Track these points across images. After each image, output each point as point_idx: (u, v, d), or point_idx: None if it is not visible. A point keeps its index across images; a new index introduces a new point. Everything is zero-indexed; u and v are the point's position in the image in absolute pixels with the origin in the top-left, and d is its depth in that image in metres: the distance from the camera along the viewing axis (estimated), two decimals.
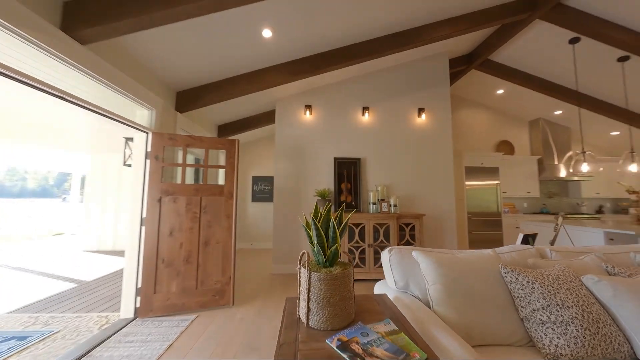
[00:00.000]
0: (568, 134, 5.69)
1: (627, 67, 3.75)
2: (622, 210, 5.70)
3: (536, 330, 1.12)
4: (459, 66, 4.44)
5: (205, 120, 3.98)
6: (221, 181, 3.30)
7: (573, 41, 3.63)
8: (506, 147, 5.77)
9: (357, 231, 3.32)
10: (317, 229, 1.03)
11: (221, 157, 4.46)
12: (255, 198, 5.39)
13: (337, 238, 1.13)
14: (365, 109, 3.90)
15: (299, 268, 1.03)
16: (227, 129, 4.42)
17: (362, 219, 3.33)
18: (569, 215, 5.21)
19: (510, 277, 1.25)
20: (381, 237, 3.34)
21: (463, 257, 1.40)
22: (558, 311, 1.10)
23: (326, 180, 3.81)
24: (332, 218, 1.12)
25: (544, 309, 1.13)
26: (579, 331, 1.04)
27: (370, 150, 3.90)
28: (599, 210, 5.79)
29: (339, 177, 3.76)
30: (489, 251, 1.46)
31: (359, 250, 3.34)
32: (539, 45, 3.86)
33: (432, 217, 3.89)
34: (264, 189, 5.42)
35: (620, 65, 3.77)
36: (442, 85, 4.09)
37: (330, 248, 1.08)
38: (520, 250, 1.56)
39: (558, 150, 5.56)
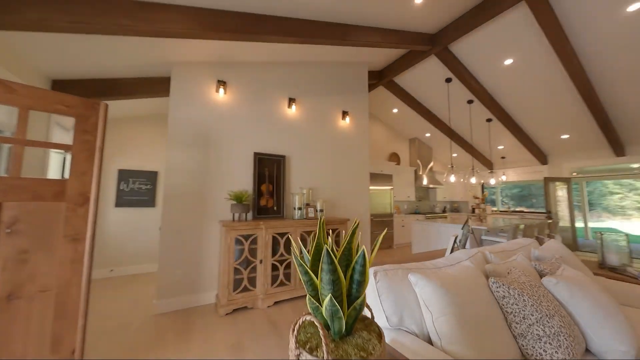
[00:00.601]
0: (430, 152, 7.48)
1: (472, 108, 5.24)
2: (454, 210, 8.06)
3: (533, 347, 1.07)
4: (371, 80, 4.81)
5: (26, 67, 2.28)
6: (58, 173, 1.90)
7: (448, 80, 4.67)
8: (395, 158, 6.89)
9: (282, 242, 2.79)
10: (331, 269, 0.54)
11: (58, 132, 2.74)
12: (122, 202, 3.71)
13: (365, 283, 0.68)
14: (292, 100, 3.45)
15: (296, 351, 0.51)
16: (74, 89, 2.73)
17: (288, 227, 2.85)
18: (429, 215, 6.75)
19: (503, 292, 1.17)
20: (308, 247, 2.96)
21: (453, 273, 1.23)
22: (548, 322, 1.09)
23: (244, 180, 3.05)
24: (358, 246, 0.66)
25: (538, 322, 1.09)
26: (567, 340, 1.05)
27: (295, 148, 3.48)
28: (444, 210, 7.94)
29: (259, 177, 3.10)
30: (466, 262, 1.38)
31: (284, 264, 2.82)
32: (428, 77, 4.75)
33: (352, 222, 3.93)
34: (139, 189, 3.83)
35: (468, 107, 5.22)
36: (362, 92, 4.26)
37: (353, 303, 0.61)
38: (473, 255, 1.59)
39: (424, 164, 7.18)
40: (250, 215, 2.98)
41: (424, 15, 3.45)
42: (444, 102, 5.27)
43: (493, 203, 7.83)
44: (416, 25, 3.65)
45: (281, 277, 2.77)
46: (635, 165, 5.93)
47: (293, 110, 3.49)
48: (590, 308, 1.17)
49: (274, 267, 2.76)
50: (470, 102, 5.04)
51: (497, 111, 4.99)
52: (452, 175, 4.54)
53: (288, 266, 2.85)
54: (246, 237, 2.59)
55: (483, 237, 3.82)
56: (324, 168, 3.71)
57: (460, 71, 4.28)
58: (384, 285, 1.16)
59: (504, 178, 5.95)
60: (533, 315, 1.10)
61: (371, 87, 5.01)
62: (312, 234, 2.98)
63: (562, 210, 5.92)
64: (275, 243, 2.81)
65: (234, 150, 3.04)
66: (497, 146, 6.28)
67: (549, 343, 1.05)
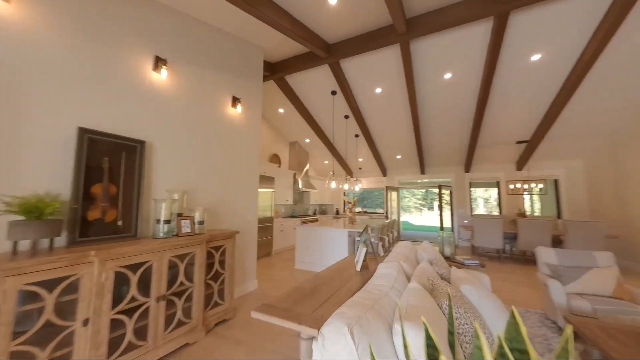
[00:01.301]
0: (307, 157, 7.93)
1: (348, 123, 5.98)
2: (322, 212, 9.01)
3: None
4: (265, 71, 4.35)
5: None
6: None
7: (333, 93, 5.06)
8: (276, 160, 6.69)
9: (134, 278, 1.76)
10: None
11: None
12: None
13: None
14: (161, 61, 2.36)
15: None
16: None
17: (146, 252, 1.85)
18: (304, 218, 7.11)
19: (456, 313, 1.16)
20: (180, 279, 2.08)
21: (417, 304, 1.08)
22: (487, 334, 1.17)
23: (50, 177, 1.68)
24: None
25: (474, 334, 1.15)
26: (490, 342, 1.17)
27: (164, 132, 2.40)
28: (314, 213, 8.67)
29: (89, 173, 1.83)
30: (414, 284, 1.30)
31: (137, 313, 1.79)
32: (318, 84, 4.93)
33: (247, 234, 3.26)
34: None
35: (345, 121, 5.93)
36: (256, 80, 3.71)
37: None
38: (398, 271, 1.59)
39: (301, 168, 7.50)
40: (64, 239, 1.68)
41: (330, 22, 3.46)
42: (327, 112, 5.68)
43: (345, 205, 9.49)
44: (321, 30, 3.62)
45: (130, 337, 1.73)
46: (426, 180, 8.91)
47: (163, 77, 2.40)
48: (490, 306, 1.40)
49: (117, 325, 1.68)
50: (346, 117, 5.73)
51: (364, 129, 5.99)
52: (333, 182, 4.92)
53: (145, 315, 1.84)
54: (51, 284, 1.39)
55: (357, 238, 4.34)
56: (206, 164, 2.84)
57: (344, 87, 4.72)
58: (363, 341, 0.82)
59: (359, 186, 7.21)
60: (472, 329, 1.15)
61: (263, 78, 4.53)
62: None
63: (391, 209, 8.06)
64: (120, 282, 1.73)
65: (31, 119, 1.61)
66: (359, 158, 7.61)
67: None
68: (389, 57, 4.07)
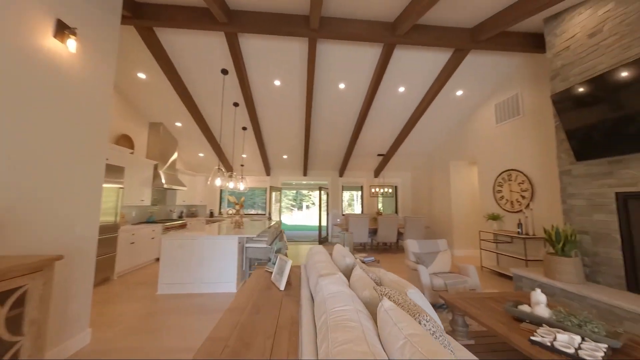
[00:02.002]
0: (175, 145, 6.30)
1: (237, 111, 5.25)
2: (191, 214, 7.47)
3: None
4: (124, 9, 2.94)
5: None
6: None
7: (224, 72, 4.26)
8: (127, 143, 4.81)
9: None
10: None
11: None
12: None
13: None
14: None
15: None
16: None
17: None
18: (167, 223, 5.59)
19: (427, 326, 1.05)
20: None
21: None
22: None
23: None
24: None
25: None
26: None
27: None
28: (180, 216, 7.02)
29: None
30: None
31: None
32: (207, 54, 3.97)
33: (65, 258, 1.88)
34: None
35: (234, 109, 5.17)
36: (110, 11, 2.40)
37: None
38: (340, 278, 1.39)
39: (165, 158, 5.87)
40: None
41: None
42: (212, 94, 4.71)
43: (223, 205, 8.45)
44: None
45: None
46: (304, 182, 9.48)
47: None
48: (427, 306, 1.47)
49: None
50: (236, 104, 5.01)
51: (255, 122, 5.48)
52: (218, 178, 4.09)
53: None
54: None
55: (247, 245, 3.81)
56: None
57: (240, 68, 4.07)
58: None
59: (243, 185, 6.57)
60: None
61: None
62: None
63: (272, 210, 7.95)
64: None
65: None
66: (243, 154, 6.92)
67: None
68: (294, 50, 3.89)
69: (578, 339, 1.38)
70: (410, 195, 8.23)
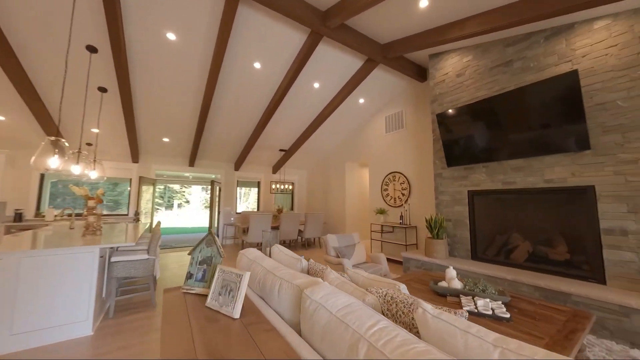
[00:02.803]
0: None
1: (93, 61, 3.57)
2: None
3: None
4: None
5: None
6: None
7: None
8: None
9: None
10: None
11: None
12: None
13: None
14: None
15: None
16: None
17: None
18: None
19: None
20: None
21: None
22: None
23: None
24: None
25: None
26: None
27: None
28: None
29: None
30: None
31: None
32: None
33: None
34: None
35: (89, 56, 3.49)
36: None
37: None
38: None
39: None
40: None
41: None
42: (48, 22, 2.95)
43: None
44: None
45: None
46: (188, 174, 8.00)
47: None
48: None
49: None
50: (93, 50, 3.41)
51: (125, 86, 3.93)
52: (56, 158, 2.58)
53: None
54: None
55: (115, 259, 2.64)
56: None
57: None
58: None
59: (95, 173, 4.62)
60: None
61: None
62: None
63: (145, 210, 6.09)
64: None
65: None
66: (93, 128, 4.82)
67: None
68: (204, 1, 3.07)
69: (489, 302, 1.78)
70: (306, 193, 8.60)
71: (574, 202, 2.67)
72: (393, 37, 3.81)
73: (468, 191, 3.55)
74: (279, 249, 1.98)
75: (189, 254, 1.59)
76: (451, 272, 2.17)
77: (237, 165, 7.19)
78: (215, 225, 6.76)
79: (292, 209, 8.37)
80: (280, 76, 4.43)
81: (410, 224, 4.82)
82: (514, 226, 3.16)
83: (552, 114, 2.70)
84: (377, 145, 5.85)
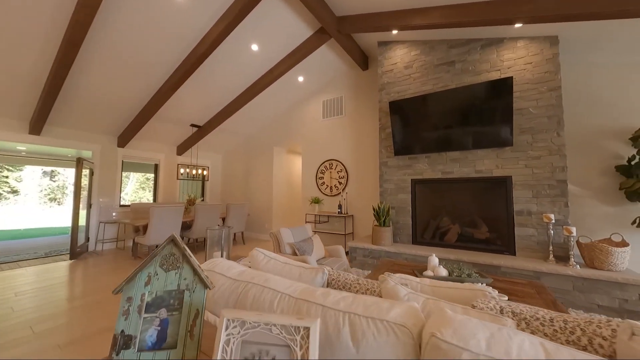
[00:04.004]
0: None
1: None
2: None
3: None
4: None
5: None
6: None
7: None
8: None
9: None
10: None
11: None
12: None
13: None
14: None
15: None
16: None
17: None
18: None
19: None
20: None
21: None
22: None
23: None
24: None
25: None
26: None
27: None
28: None
29: None
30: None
31: None
32: None
33: None
34: None
35: None
36: None
37: None
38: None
39: None
40: None
41: None
42: None
43: None
44: None
45: None
46: (36, 147, 5.45)
47: None
48: None
49: None
50: None
51: None
52: None
53: None
54: None
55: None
56: None
57: None
58: None
59: None
60: None
61: None
62: None
63: None
64: None
65: None
66: None
67: None
68: None
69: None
70: (221, 180, 7.40)
71: (495, 189, 3.25)
72: (352, 9, 3.55)
73: (411, 179, 3.81)
74: (264, 255, 1.38)
75: (116, 292, 0.79)
76: (434, 260, 2.16)
77: (123, 141, 5.28)
78: (84, 223, 4.75)
79: (203, 199, 7.01)
80: (209, 23, 3.39)
81: (347, 213, 4.85)
82: (448, 211, 3.61)
83: (487, 112, 3.17)
84: (313, 130, 5.58)
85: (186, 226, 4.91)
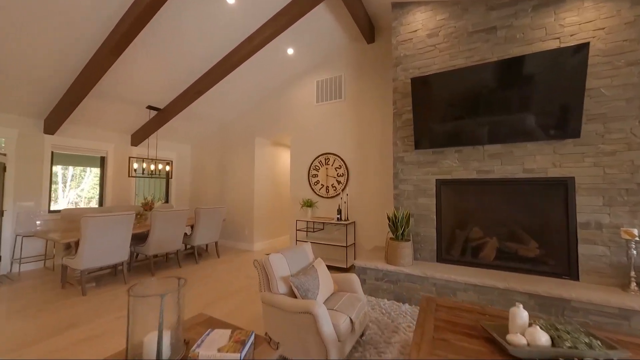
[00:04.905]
0: None
1: None
2: None
3: None
4: None
5: None
6: None
7: None
8: None
9: None
10: None
11: None
12: None
13: None
14: None
15: None
16: None
17: None
18: None
19: None
20: None
21: None
22: None
23: None
24: None
25: None
26: None
27: None
28: None
29: None
30: None
31: None
32: None
33: None
34: None
35: None
36: None
37: None
38: None
39: None
40: None
41: None
42: None
43: None
44: None
45: None
46: None
47: None
48: None
49: None
50: None
51: None
52: None
53: None
54: None
55: None
56: None
57: None
58: None
59: None
60: None
61: None
62: None
63: None
64: None
65: None
66: None
67: None
68: None
69: None
70: (190, 178, 6.28)
71: (550, 194, 2.56)
72: None
73: (436, 180, 3.04)
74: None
75: None
76: (522, 315, 1.37)
77: (52, 125, 4.05)
78: None
79: (167, 201, 5.87)
80: None
81: (348, 219, 4.02)
82: (482, 221, 2.89)
83: (544, 93, 2.44)
84: (305, 117, 4.66)
85: (141, 237, 3.84)
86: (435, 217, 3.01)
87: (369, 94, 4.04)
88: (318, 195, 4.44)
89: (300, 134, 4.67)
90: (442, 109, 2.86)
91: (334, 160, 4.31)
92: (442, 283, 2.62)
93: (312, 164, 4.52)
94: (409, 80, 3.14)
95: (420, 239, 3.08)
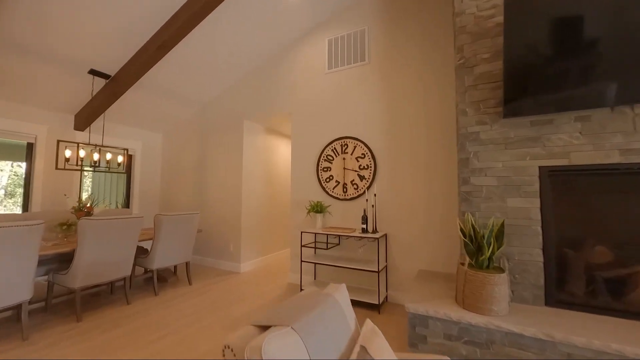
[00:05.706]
0: None
1: None
2: None
3: None
4: None
5: None
6: None
7: None
8: None
9: None
10: None
11: None
12: None
13: None
14: None
15: None
16: None
17: None
18: None
19: None
20: None
21: None
22: None
23: None
24: None
25: None
26: None
27: None
28: None
29: None
30: None
31: None
32: None
33: None
34: None
35: None
36: None
37: None
38: None
39: None
40: None
41: None
42: None
43: None
44: None
45: None
46: None
47: None
48: None
49: None
50: None
51: None
52: None
53: None
54: None
55: None
56: None
57: None
58: None
59: None
60: None
61: None
62: None
63: None
64: None
65: None
66: None
67: None
68: None
69: None
70: (159, 173, 5.01)
71: None
72: None
73: (540, 167, 1.88)
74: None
75: None
76: None
77: None
78: None
79: (127, 205, 4.57)
80: None
81: (376, 231, 2.83)
82: (630, 237, 1.73)
83: None
84: (312, 90, 3.49)
85: (67, 259, 2.56)
86: (541, 229, 1.84)
87: (406, 50, 2.89)
88: (331, 196, 3.24)
89: (306, 113, 3.49)
90: (562, 41, 1.71)
91: (355, 147, 3.13)
92: (584, 353, 1.43)
93: (322, 153, 3.33)
94: (483, 13, 2.01)
95: (512, 267, 1.90)
